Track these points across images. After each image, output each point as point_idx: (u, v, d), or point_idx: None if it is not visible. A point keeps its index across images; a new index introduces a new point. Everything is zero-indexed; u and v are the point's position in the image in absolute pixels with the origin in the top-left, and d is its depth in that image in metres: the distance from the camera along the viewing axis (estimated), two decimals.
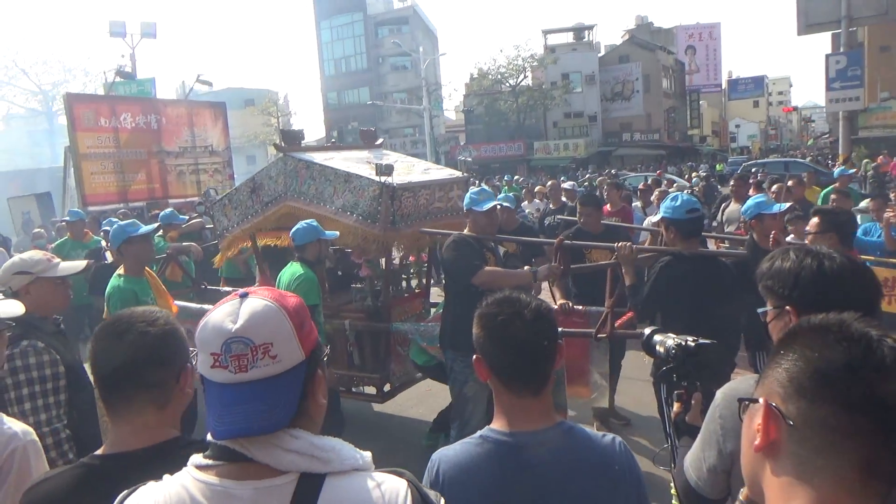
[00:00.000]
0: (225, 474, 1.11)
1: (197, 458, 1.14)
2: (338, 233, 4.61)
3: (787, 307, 1.63)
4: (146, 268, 4.29)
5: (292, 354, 1.13)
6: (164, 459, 1.40)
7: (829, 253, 1.67)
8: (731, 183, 9.53)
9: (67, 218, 8.46)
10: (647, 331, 2.06)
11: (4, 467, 1.77)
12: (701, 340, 1.87)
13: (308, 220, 4.47)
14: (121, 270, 4.14)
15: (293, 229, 4.45)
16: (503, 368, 1.56)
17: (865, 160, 18.88)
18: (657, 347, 1.97)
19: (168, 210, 8.07)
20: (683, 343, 1.88)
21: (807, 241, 3.68)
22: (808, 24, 10.67)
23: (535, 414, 1.57)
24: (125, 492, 1.17)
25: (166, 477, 1.15)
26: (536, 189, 14.31)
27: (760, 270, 1.77)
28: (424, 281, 5.86)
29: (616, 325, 4.17)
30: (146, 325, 1.48)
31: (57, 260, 2.82)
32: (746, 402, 0.95)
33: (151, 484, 1.16)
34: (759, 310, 1.76)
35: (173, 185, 18.24)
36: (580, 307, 4.78)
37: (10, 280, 2.70)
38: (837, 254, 1.67)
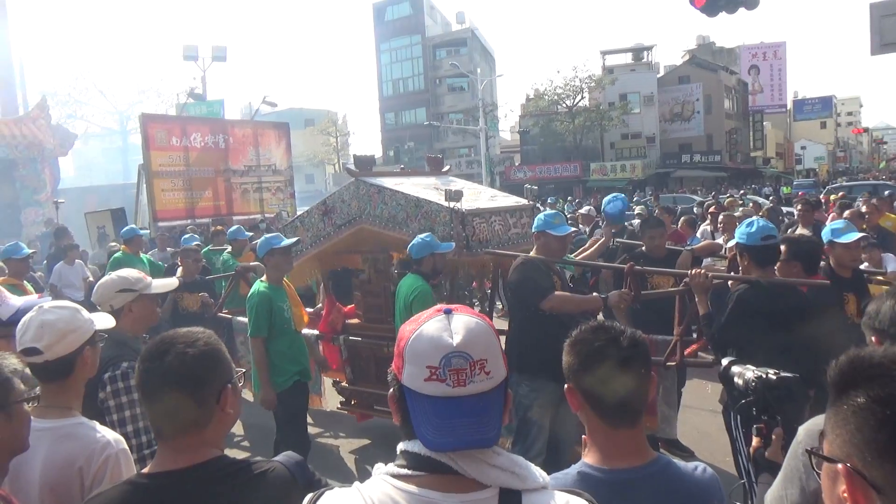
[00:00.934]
0: (426, 484, 1.12)
1: (391, 468, 1.17)
2: (453, 244, 4.61)
3: (874, 338, 1.62)
4: (284, 278, 4.68)
5: (500, 371, 1.17)
6: (204, 479, 1.48)
7: None
8: (798, 206, 9.24)
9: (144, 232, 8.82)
10: (725, 361, 2.03)
11: (99, 473, 1.85)
12: (783, 373, 1.81)
13: (424, 235, 4.55)
14: (264, 278, 4.58)
15: (410, 244, 4.56)
16: (599, 398, 1.52)
17: None
18: (735, 379, 1.92)
19: (235, 227, 8.34)
20: (764, 376, 1.82)
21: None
22: (882, 44, 10.29)
23: (631, 448, 1.54)
24: (311, 495, 1.20)
25: (356, 484, 1.18)
26: (580, 212, 12.07)
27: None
28: (487, 307, 5.88)
29: (685, 353, 4.09)
30: (185, 346, 1.52)
31: (150, 278, 2.86)
32: (817, 455, 0.91)
33: (338, 489, 1.19)
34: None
35: (238, 202, 18.84)
36: (645, 335, 4.69)
37: (112, 298, 2.70)
38: None
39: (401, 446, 1.18)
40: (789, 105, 71.25)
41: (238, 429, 6.09)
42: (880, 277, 5.93)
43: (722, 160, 47.48)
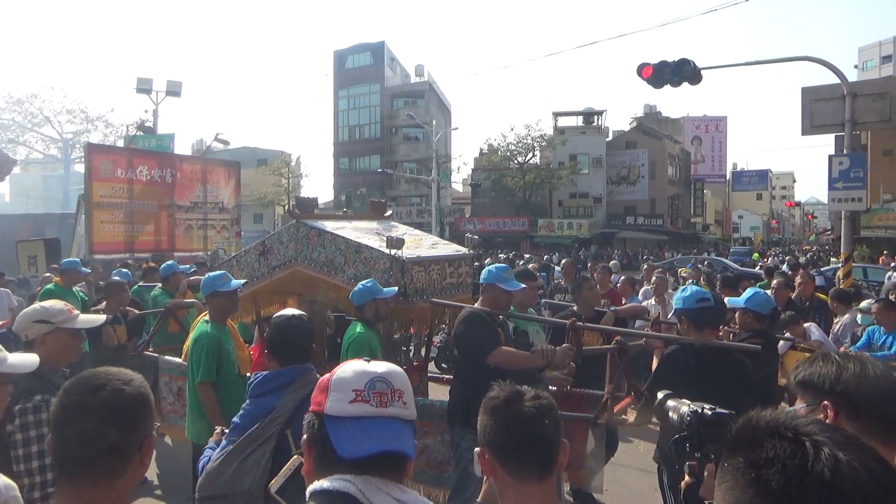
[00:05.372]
0: None
1: None
2: (396, 289, 4.53)
3: (825, 402, 1.59)
4: (228, 319, 4.42)
5: (412, 409, 1.31)
6: None
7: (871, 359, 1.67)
8: (718, 281, 9.67)
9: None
10: (661, 395, 1.99)
11: None
12: (719, 410, 1.79)
13: (364, 282, 4.43)
14: (206, 317, 4.28)
15: (352, 291, 4.43)
16: (507, 450, 1.58)
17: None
18: (670, 414, 1.88)
19: (169, 262, 8.11)
20: (700, 410, 1.79)
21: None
22: (812, 125, 10.94)
23: (541, 502, 1.56)
24: None
25: None
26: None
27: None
28: (424, 354, 5.82)
29: (614, 409, 4.12)
30: (122, 383, 1.41)
31: (77, 311, 2.77)
32: None
33: None
34: (790, 408, 1.74)
35: (180, 238, 18.46)
36: (578, 390, 4.73)
37: (28, 328, 2.63)
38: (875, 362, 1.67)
39: (310, 488, 1.21)
40: (728, 176, 74.74)
41: (152, 476, 5.78)
42: (802, 345, 6.17)
43: (664, 224, 49.20)
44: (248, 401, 2.85)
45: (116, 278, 7.21)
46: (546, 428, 1.58)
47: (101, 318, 3.19)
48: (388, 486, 1.20)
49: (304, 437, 1.27)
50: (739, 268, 23.86)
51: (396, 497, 1.19)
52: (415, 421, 1.31)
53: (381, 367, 1.30)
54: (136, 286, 7.97)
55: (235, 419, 2.80)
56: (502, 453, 1.58)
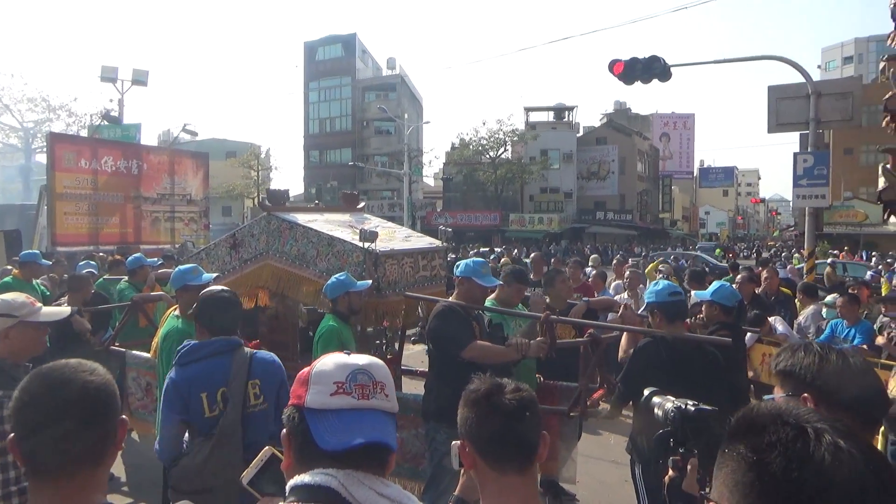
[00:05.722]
0: None
1: None
2: (370, 282, 4.51)
3: (805, 395, 1.63)
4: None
5: (394, 402, 1.30)
6: None
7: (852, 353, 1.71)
8: (686, 275, 9.84)
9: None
10: (647, 392, 2.04)
11: None
12: (702, 406, 1.84)
13: (338, 275, 4.38)
14: (176, 312, 4.22)
15: (326, 284, 4.39)
16: (488, 442, 1.57)
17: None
18: (655, 410, 1.93)
19: (137, 254, 7.94)
20: (683, 406, 1.84)
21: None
22: (778, 123, 11.16)
23: (523, 495, 1.56)
24: None
25: None
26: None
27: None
28: (398, 347, 5.80)
29: (587, 402, 4.16)
30: (88, 373, 1.38)
31: (39, 304, 2.69)
32: (706, 498, 0.95)
33: None
34: (766, 397, 1.77)
35: (147, 231, 18.10)
36: (551, 382, 4.76)
37: None
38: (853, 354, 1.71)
39: (291, 483, 1.20)
40: (696, 172, 75.93)
41: (120, 472, 5.67)
42: (768, 338, 6.30)
43: (633, 219, 49.87)
44: (173, 370, 2.89)
45: (87, 270, 7.03)
46: (527, 420, 1.59)
47: (67, 310, 3.10)
48: (371, 479, 1.18)
49: (284, 431, 1.25)
50: (719, 263, 24.90)
51: (379, 491, 1.17)
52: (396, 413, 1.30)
53: (362, 359, 1.29)
54: (101, 279, 7.79)
55: (166, 387, 2.85)
56: (483, 446, 1.57)
